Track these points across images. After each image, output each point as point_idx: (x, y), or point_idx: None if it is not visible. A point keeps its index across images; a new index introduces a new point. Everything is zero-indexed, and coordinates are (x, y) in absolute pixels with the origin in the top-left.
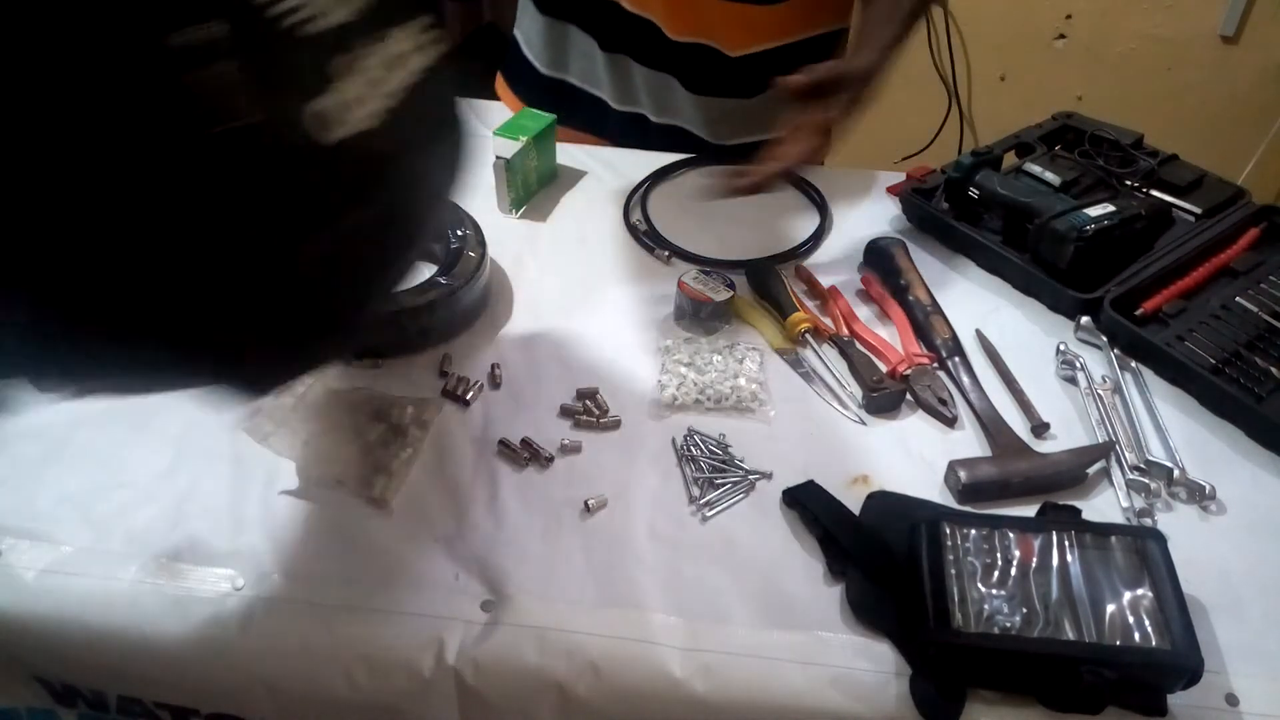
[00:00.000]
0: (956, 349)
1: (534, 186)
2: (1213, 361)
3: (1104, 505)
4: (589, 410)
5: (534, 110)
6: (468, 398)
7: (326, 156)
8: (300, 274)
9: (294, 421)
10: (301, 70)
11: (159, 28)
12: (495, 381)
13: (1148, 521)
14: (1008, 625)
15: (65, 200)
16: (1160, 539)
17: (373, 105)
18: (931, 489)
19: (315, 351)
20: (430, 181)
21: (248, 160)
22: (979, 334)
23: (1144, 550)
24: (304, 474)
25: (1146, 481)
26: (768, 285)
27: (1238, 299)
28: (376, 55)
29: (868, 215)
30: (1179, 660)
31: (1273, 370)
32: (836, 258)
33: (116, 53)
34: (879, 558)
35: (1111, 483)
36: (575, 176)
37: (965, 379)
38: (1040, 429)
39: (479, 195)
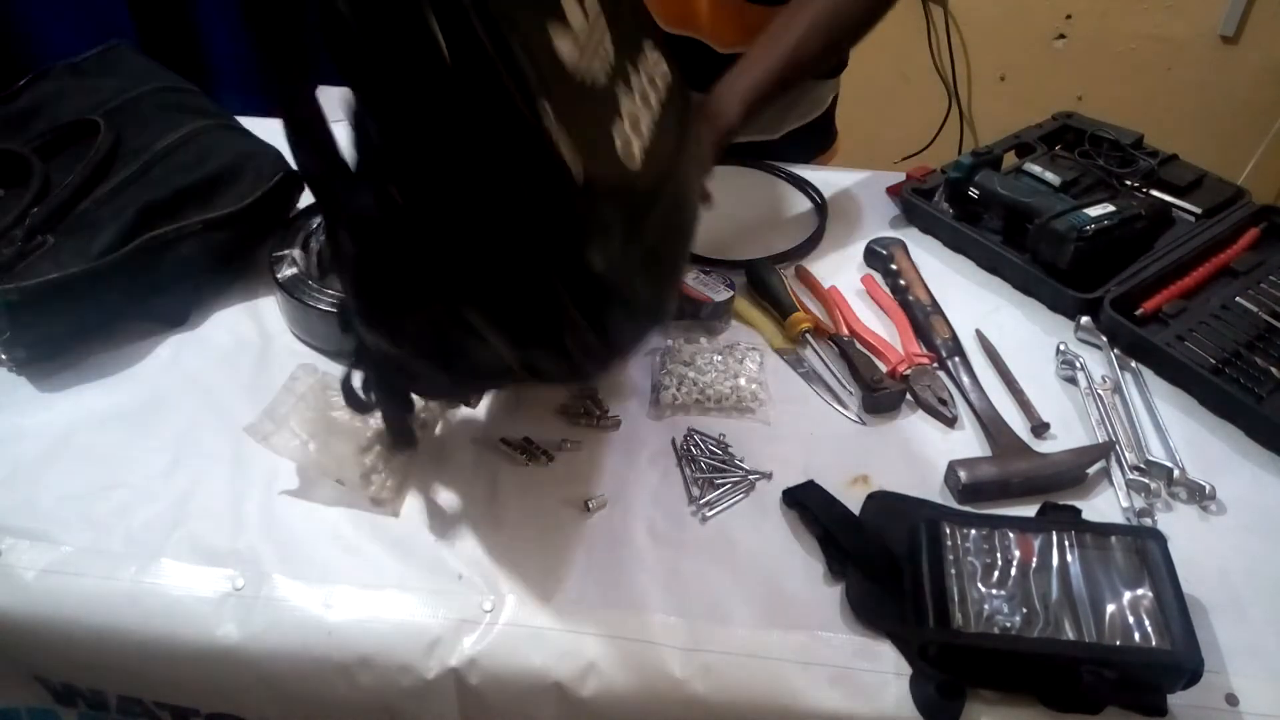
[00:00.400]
0: (956, 349)
1: None
2: (1213, 361)
3: (1104, 505)
4: (589, 410)
5: None
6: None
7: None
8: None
9: (294, 422)
10: (601, 115)
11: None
12: None
13: (1148, 521)
14: (1008, 625)
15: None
16: (1160, 539)
17: (645, 120)
18: (931, 489)
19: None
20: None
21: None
22: (979, 334)
23: (1144, 550)
24: (305, 474)
25: (1146, 481)
26: (768, 285)
27: (1238, 299)
28: (639, 78)
29: (868, 215)
30: (1179, 660)
31: (1273, 370)
32: (836, 258)
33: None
34: (879, 558)
35: (1111, 483)
36: None
37: (965, 379)
38: (1040, 429)
39: None
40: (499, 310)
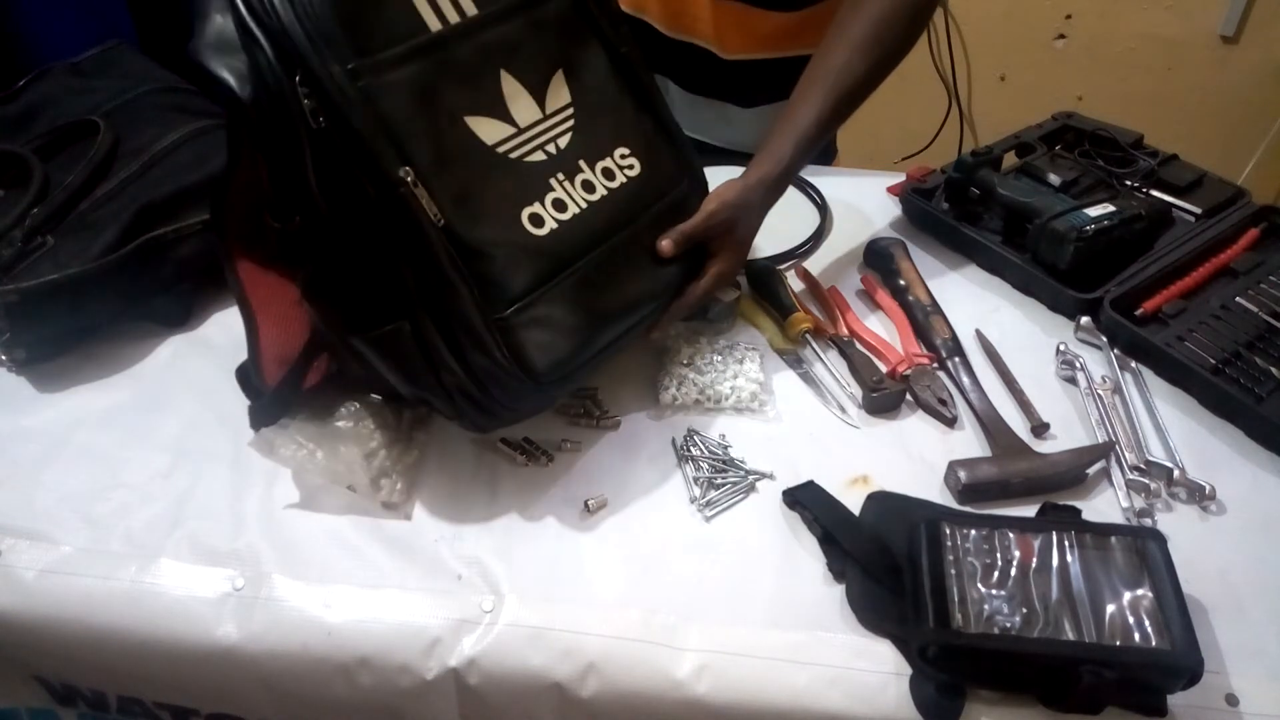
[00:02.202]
0: (956, 349)
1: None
2: (1213, 361)
3: (1104, 505)
4: (589, 410)
5: None
6: None
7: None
8: None
9: (299, 433)
10: (517, 183)
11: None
12: None
13: (1148, 521)
14: (1008, 625)
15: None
16: (1160, 539)
17: (576, 202)
18: (931, 489)
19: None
20: None
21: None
22: (979, 334)
23: (1144, 550)
24: (309, 483)
25: (1146, 481)
26: (768, 285)
27: (1238, 299)
28: (587, 174)
29: (868, 215)
30: (1179, 660)
31: (1273, 370)
32: (836, 258)
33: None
34: (879, 558)
35: (1111, 483)
36: None
37: (965, 379)
38: (1040, 429)
39: None
40: (385, 344)
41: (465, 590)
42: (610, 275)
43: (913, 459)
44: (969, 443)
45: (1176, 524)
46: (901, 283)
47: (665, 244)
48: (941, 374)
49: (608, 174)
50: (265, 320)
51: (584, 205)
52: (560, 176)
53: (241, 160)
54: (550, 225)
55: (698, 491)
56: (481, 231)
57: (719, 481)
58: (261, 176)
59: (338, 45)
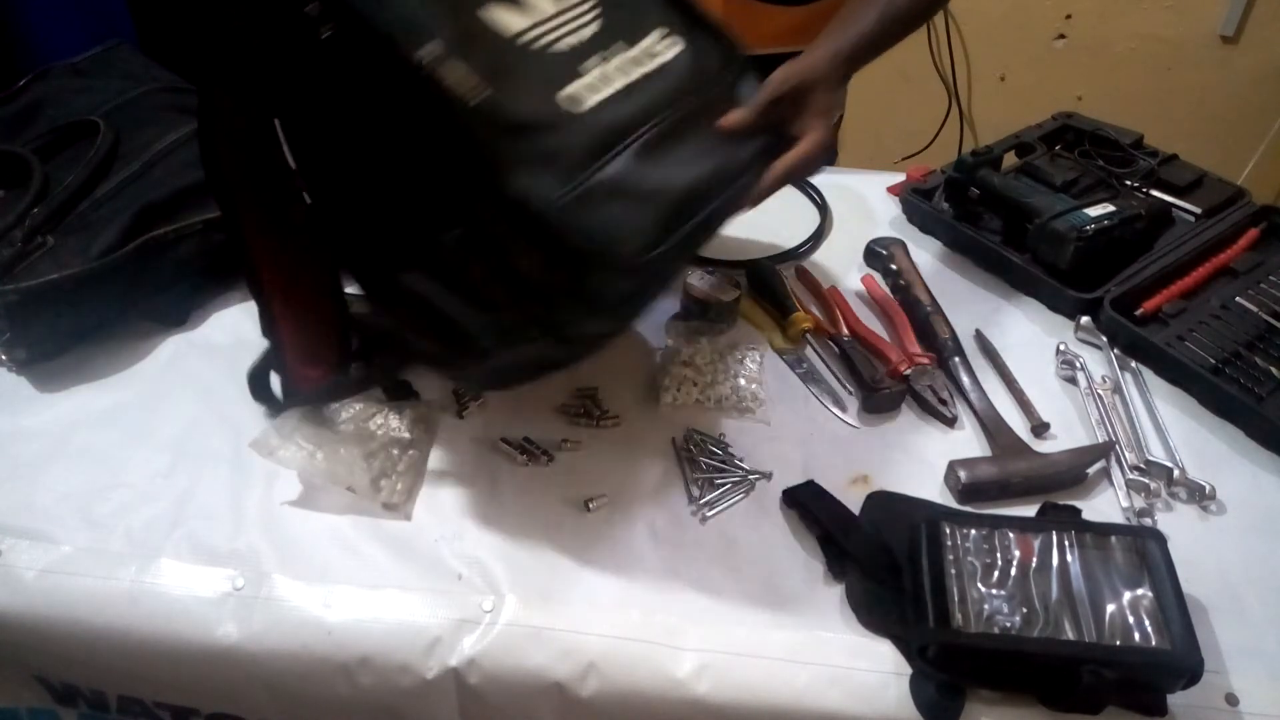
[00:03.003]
0: (956, 349)
1: None
2: (1213, 361)
3: (1104, 505)
4: (589, 410)
5: None
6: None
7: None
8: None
9: (299, 435)
10: (546, 70)
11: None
12: None
13: (1148, 521)
14: (1008, 625)
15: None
16: (1160, 539)
17: (619, 83)
18: (931, 489)
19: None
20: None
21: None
22: (979, 334)
23: (1144, 550)
24: (310, 484)
25: (1146, 481)
26: (768, 285)
27: (1238, 299)
28: (625, 53)
29: (868, 215)
30: (1179, 660)
31: (1273, 370)
32: (836, 258)
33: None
34: (879, 558)
35: (1111, 483)
36: None
37: (965, 379)
38: (1040, 429)
39: None
40: (445, 269)
41: (465, 590)
42: (678, 145)
43: (913, 459)
44: (969, 443)
45: (1176, 524)
46: (902, 283)
47: (729, 118)
48: (941, 374)
49: (649, 54)
50: (285, 315)
51: (630, 79)
52: (595, 60)
53: (222, 150)
54: (593, 101)
55: (697, 491)
56: (518, 107)
57: (719, 481)
58: (254, 142)
59: None
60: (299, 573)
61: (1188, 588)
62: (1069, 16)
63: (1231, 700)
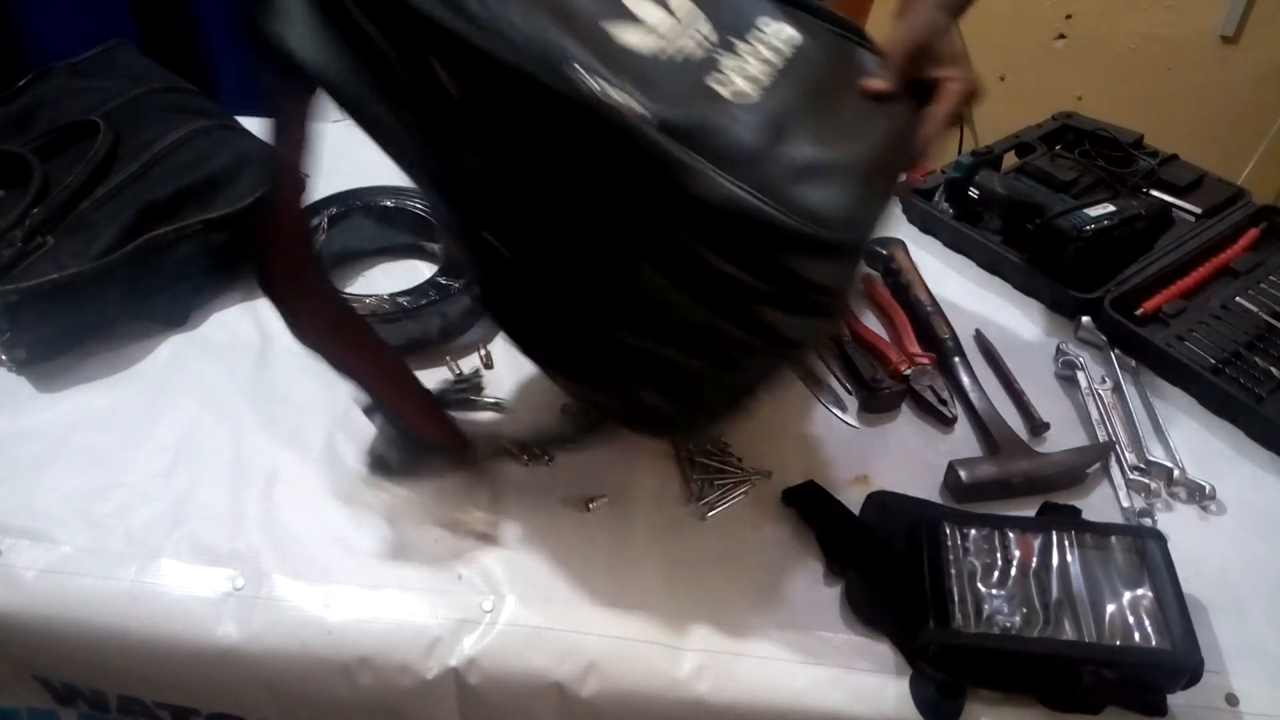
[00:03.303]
0: (956, 349)
1: None
2: (1213, 361)
3: (1104, 505)
4: (590, 410)
5: None
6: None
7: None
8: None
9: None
10: (693, 75)
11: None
12: (487, 362)
13: (1148, 521)
14: (1008, 625)
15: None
16: (1160, 539)
17: (763, 73)
18: (931, 489)
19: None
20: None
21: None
22: (979, 334)
23: (1144, 550)
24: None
25: (1146, 481)
26: None
27: (1238, 299)
28: (749, 46)
29: None
30: (1179, 660)
31: (1273, 370)
32: None
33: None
34: (879, 558)
35: (1111, 483)
36: None
37: (965, 379)
38: (1040, 429)
39: None
40: (652, 312)
41: (465, 590)
42: (840, 118)
43: (913, 459)
44: (969, 443)
45: (1176, 524)
46: (902, 282)
47: (873, 83)
48: (941, 374)
49: (769, 43)
50: (383, 383)
51: (770, 67)
52: (729, 58)
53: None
54: (752, 94)
55: (697, 491)
56: (680, 111)
57: (718, 481)
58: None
59: None
60: (299, 573)
61: (1188, 588)
62: (1069, 16)
63: (1231, 700)
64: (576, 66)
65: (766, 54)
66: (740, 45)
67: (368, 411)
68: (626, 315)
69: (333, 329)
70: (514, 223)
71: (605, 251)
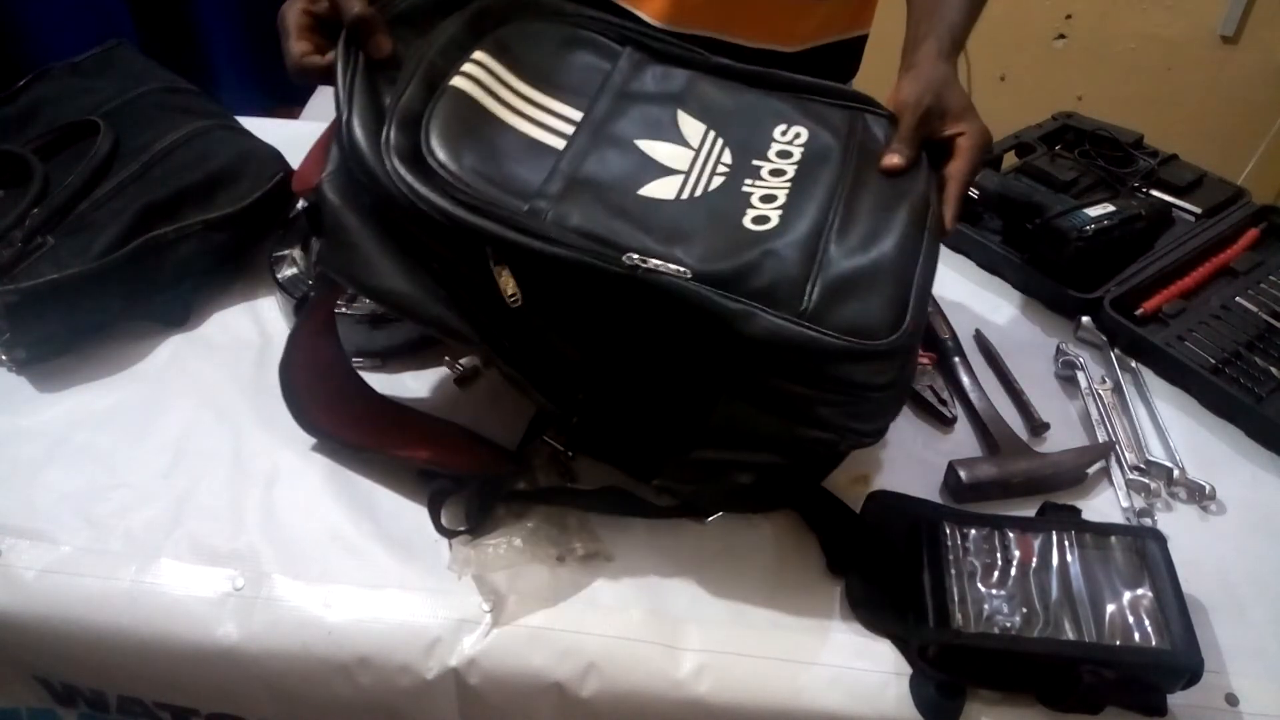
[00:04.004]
0: (956, 349)
1: None
2: (1213, 361)
3: (1104, 505)
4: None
5: None
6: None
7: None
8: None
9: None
10: (721, 213)
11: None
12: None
13: (1148, 521)
14: (1008, 625)
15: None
16: (1160, 539)
17: (782, 192)
18: (931, 489)
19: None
20: None
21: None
22: (979, 334)
23: (1144, 550)
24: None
25: (1146, 481)
26: None
27: (1238, 299)
28: (768, 163)
29: None
30: (1179, 660)
31: (1273, 370)
32: None
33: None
34: (879, 558)
35: (1111, 483)
36: None
37: (965, 379)
38: (1040, 429)
39: None
40: (729, 432)
41: (465, 590)
42: (863, 212)
43: (913, 459)
44: (969, 443)
45: (1176, 524)
46: None
47: (891, 158)
48: (941, 374)
49: (784, 155)
50: (412, 449)
51: (788, 186)
52: (748, 183)
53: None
54: (774, 217)
55: None
56: (725, 264)
57: None
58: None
59: (503, 199)
60: (299, 573)
61: (1188, 588)
62: (1069, 16)
63: (1231, 700)
64: (632, 256)
65: (783, 166)
66: (758, 163)
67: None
68: (710, 438)
69: (370, 428)
70: (600, 382)
71: (682, 392)
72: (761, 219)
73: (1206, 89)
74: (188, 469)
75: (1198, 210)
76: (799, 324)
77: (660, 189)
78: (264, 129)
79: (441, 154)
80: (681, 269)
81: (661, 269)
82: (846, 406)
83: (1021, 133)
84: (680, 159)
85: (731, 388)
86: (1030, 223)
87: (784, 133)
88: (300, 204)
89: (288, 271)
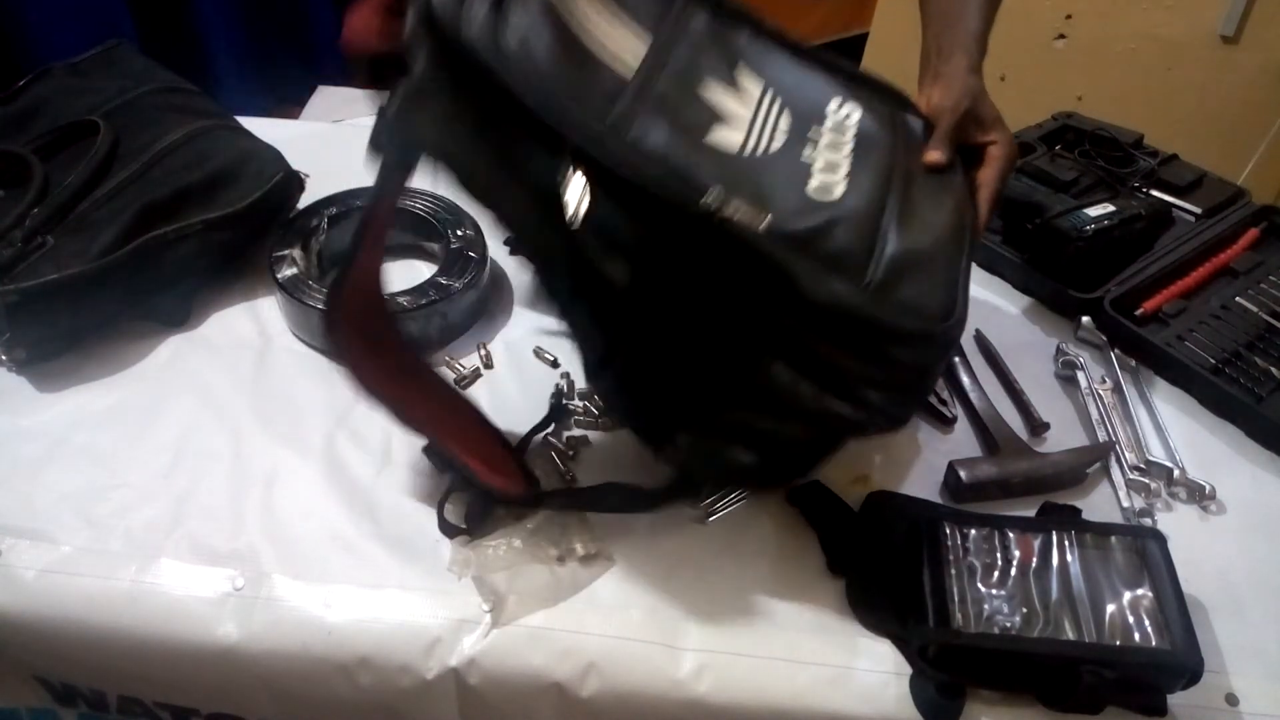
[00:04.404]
0: (957, 349)
1: None
2: (1213, 361)
3: (1104, 505)
4: (589, 410)
5: None
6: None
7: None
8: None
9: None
10: (784, 174)
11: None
12: (486, 362)
13: (1148, 521)
14: (1008, 625)
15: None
16: (1160, 539)
17: (843, 164)
18: (931, 489)
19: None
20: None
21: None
22: (979, 334)
23: (1144, 550)
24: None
25: (1146, 481)
26: None
27: (1238, 299)
28: (825, 135)
29: None
30: (1179, 660)
31: (1273, 370)
32: None
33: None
34: (879, 558)
35: (1111, 483)
36: None
37: (965, 379)
38: (1040, 429)
39: None
40: (770, 397)
41: (465, 590)
42: (916, 199)
43: (913, 459)
44: (969, 443)
45: (1176, 524)
46: None
47: (933, 154)
48: (941, 374)
49: (838, 129)
50: (446, 436)
51: (849, 159)
52: (808, 150)
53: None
54: (839, 189)
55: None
56: (796, 221)
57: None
58: None
59: (579, 110)
60: (299, 573)
61: (1188, 588)
62: (1069, 16)
63: (1231, 700)
64: (710, 199)
65: (840, 139)
66: (815, 131)
67: (428, 453)
68: (748, 400)
69: (397, 379)
70: (641, 324)
71: (726, 345)
72: (825, 188)
73: (1206, 89)
74: (188, 469)
75: (1198, 210)
76: (864, 295)
77: (724, 139)
78: (264, 129)
79: (514, 41)
80: (757, 221)
81: (739, 217)
82: (887, 387)
83: (1021, 133)
84: (741, 113)
85: (779, 348)
86: (1030, 223)
87: (838, 108)
88: (300, 204)
89: (288, 271)
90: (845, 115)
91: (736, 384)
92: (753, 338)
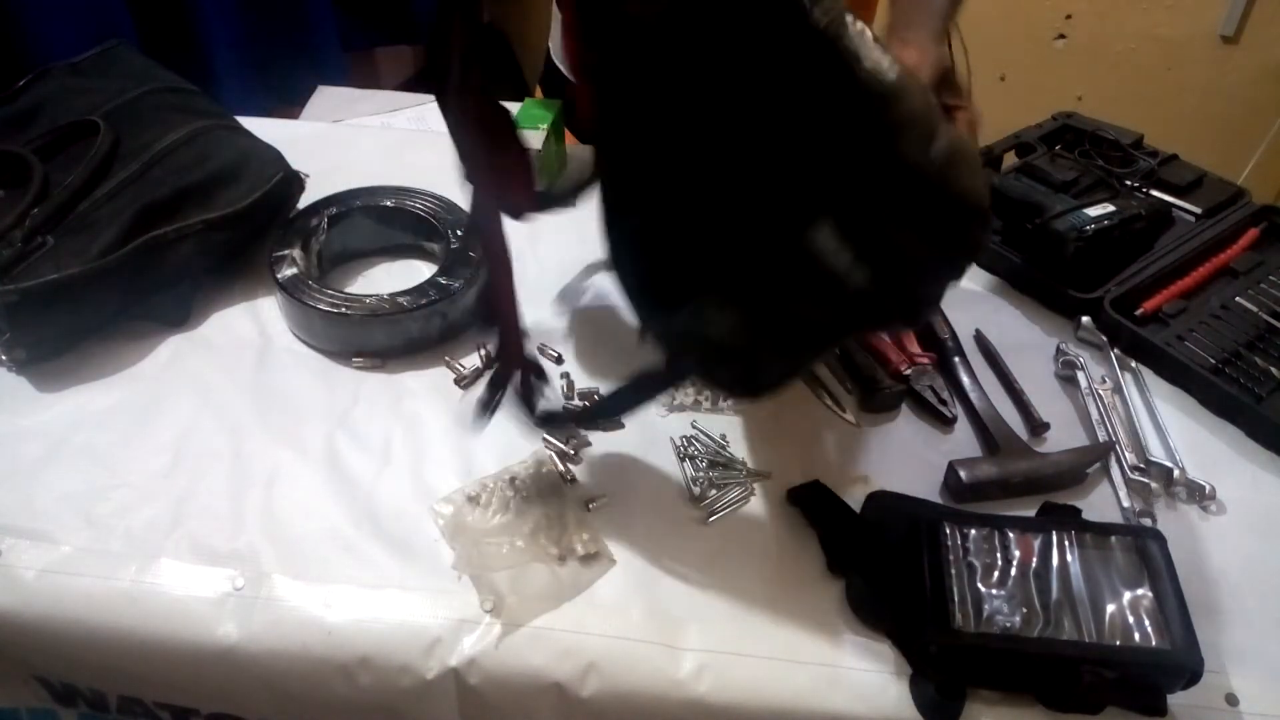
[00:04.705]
0: (956, 349)
1: (554, 176)
2: (1213, 361)
3: (1104, 505)
4: (589, 410)
5: (537, 100)
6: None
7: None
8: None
9: (485, 540)
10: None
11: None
12: (487, 362)
13: (1148, 521)
14: (1008, 625)
15: None
16: (1160, 539)
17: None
18: (931, 489)
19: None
20: None
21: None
22: (979, 334)
23: (1144, 550)
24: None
25: (1146, 481)
26: None
27: (1238, 299)
28: None
29: None
30: (1179, 660)
31: (1273, 370)
32: None
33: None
34: (879, 558)
35: (1111, 483)
36: (582, 168)
37: (965, 379)
38: (1040, 429)
39: None
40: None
41: (465, 590)
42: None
43: (913, 459)
44: (969, 443)
45: (1176, 524)
46: None
47: None
48: (941, 374)
49: None
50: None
51: None
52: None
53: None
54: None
55: (698, 491)
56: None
57: (719, 481)
58: None
59: None
60: (299, 573)
61: (1188, 588)
62: (1069, 16)
63: (1231, 700)
64: (828, 12)
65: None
66: None
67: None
68: (775, 263)
69: (478, 129)
70: (695, 160)
71: (792, 201)
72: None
73: (1206, 89)
74: (188, 469)
75: (1198, 210)
76: (939, 170)
77: None
78: (264, 129)
79: None
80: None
81: (851, 33)
82: (928, 277)
83: (1021, 133)
84: None
85: (838, 210)
86: (1030, 223)
87: None
88: (300, 204)
89: (288, 271)
90: None
91: (771, 241)
92: (812, 194)
